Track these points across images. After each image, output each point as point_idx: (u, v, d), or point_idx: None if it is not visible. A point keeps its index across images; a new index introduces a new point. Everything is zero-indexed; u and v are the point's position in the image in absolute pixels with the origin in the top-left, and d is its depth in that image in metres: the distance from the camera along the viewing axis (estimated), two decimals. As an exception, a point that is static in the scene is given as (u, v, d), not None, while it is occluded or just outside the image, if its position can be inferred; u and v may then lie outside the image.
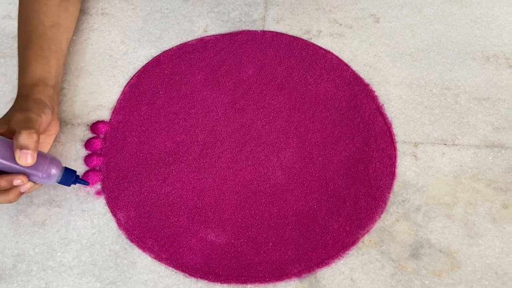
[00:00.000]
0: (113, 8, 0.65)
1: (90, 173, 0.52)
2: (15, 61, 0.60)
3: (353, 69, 0.59)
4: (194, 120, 0.56)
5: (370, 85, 0.58)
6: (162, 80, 0.59)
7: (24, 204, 0.51)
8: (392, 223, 0.49)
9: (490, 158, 0.52)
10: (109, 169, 0.53)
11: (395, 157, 0.53)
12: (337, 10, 0.65)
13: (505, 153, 0.52)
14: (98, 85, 0.59)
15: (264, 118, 0.56)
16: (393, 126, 0.55)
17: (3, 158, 0.43)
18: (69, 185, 0.48)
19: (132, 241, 0.49)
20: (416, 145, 0.53)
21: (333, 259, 0.47)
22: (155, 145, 0.54)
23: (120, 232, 0.49)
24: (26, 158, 0.42)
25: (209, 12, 0.65)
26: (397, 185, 0.51)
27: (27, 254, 0.48)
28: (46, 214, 0.50)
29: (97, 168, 0.53)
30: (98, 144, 0.54)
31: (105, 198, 0.51)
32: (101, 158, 0.54)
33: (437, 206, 0.49)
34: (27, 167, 0.44)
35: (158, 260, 0.48)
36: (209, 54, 0.61)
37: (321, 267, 0.47)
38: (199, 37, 0.63)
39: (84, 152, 0.54)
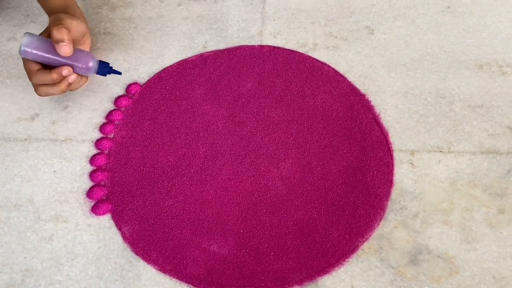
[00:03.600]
0: (115, 28, 0.67)
1: (95, 189, 0.54)
2: (21, 81, 0.62)
3: (349, 80, 0.61)
4: (195, 134, 0.58)
5: (366, 96, 0.59)
6: (164, 96, 0.61)
7: (32, 220, 0.52)
8: (391, 230, 0.50)
9: (486, 164, 0.53)
10: (114, 184, 0.54)
11: (392, 165, 0.54)
12: (332, 23, 0.67)
13: (500, 159, 0.53)
14: (101, 103, 0.61)
15: (263, 130, 0.58)
16: (390, 135, 0.56)
17: (51, 54, 0.52)
18: (105, 75, 0.57)
19: (137, 253, 0.50)
20: (412, 153, 0.55)
21: (334, 267, 0.48)
22: (157, 159, 0.56)
23: (125, 245, 0.50)
24: (64, 49, 0.51)
25: (208, 28, 0.67)
26: (394, 193, 0.52)
27: (35, 269, 0.49)
28: (53, 230, 0.52)
29: (102, 183, 0.55)
30: (102, 160, 0.56)
31: (109, 212, 0.53)
32: (106, 173, 0.55)
33: (435, 212, 0.50)
34: (69, 59, 0.53)
35: (163, 272, 0.49)
36: (209, 69, 0.63)
37: (322, 275, 0.48)
38: (199, 53, 0.65)
39: (89, 168, 0.56)
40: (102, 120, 0.59)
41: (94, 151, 0.57)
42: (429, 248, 0.48)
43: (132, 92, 0.61)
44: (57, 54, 0.52)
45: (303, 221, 0.51)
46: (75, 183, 0.54)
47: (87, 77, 0.57)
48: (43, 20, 0.69)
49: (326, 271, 0.48)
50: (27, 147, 0.57)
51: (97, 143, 0.57)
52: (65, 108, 0.60)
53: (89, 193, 0.53)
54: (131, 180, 0.55)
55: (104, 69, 0.57)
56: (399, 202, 0.51)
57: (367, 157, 0.55)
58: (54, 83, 0.53)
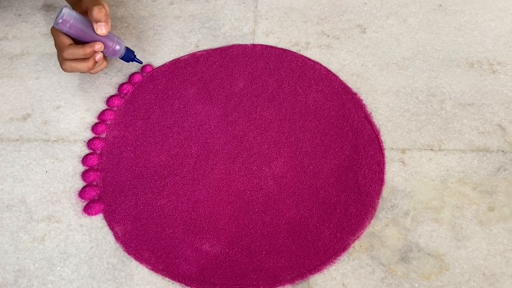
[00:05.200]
0: (107, 27, 0.67)
1: (87, 189, 0.54)
2: (12, 81, 0.62)
3: (341, 79, 0.61)
4: (188, 133, 0.58)
5: (358, 94, 0.60)
6: (156, 95, 0.61)
7: (24, 221, 0.52)
8: (382, 228, 0.50)
9: (476, 162, 0.53)
10: (106, 184, 0.54)
11: (384, 163, 0.54)
12: (325, 22, 0.67)
13: (490, 157, 0.54)
14: (93, 102, 0.61)
15: (255, 129, 0.58)
16: (381, 133, 0.56)
17: (87, 29, 0.54)
18: (128, 61, 0.60)
19: (129, 253, 0.50)
20: (403, 151, 0.55)
21: (325, 265, 0.48)
22: (150, 159, 0.56)
23: (118, 245, 0.51)
24: (102, 28, 0.54)
25: (201, 27, 0.67)
26: (385, 191, 0.52)
27: (28, 269, 0.50)
28: (45, 230, 0.52)
29: (94, 183, 0.55)
30: (94, 160, 0.56)
31: (102, 212, 0.53)
32: (98, 173, 0.55)
33: (425, 210, 0.51)
34: (103, 37, 0.55)
35: (155, 272, 0.49)
36: (201, 68, 0.63)
37: (314, 273, 0.48)
38: (191, 52, 0.65)
39: (81, 168, 0.56)
40: (94, 120, 0.59)
41: (86, 151, 0.57)
42: (419, 245, 0.49)
43: (124, 91, 0.61)
44: (92, 32, 0.54)
45: (294, 219, 0.51)
46: (67, 183, 0.54)
47: (107, 61, 0.59)
48: (35, 20, 0.68)
49: (318, 269, 0.48)
50: (19, 148, 0.57)
51: (89, 143, 0.57)
52: (57, 108, 0.60)
53: (81, 193, 0.54)
54: (123, 180, 0.55)
55: (129, 55, 0.59)
56: (390, 200, 0.51)
57: (358, 155, 0.55)
58: (83, 59, 0.55)
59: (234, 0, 0.70)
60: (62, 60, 0.55)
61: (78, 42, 0.55)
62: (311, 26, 0.66)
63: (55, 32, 0.55)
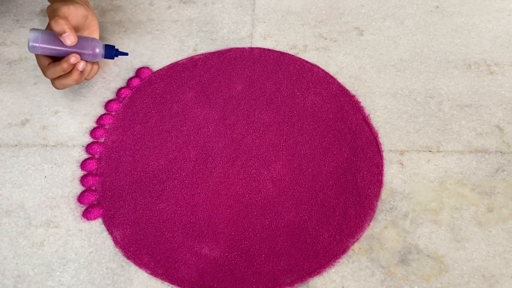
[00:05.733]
0: (105, 32, 0.67)
1: (86, 193, 0.54)
2: (10, 87, 0.62)
3: (339, 81, 0.61)
4: (186, 137, 0.58)
5: (356, 97, 0.60)
6: (154, 100, 0.61)
7: (23, 226, 0.52)
8: (381, 231, 0.50)
9: (474, 163, 0.53)
10: (105, 189, 0.54)
11: (382, 165, 0.54)
12: (322, 24, 0.67)
13: (489, 158, 0.54)
14: (92, 107, 0.61)
15: (254, 132, 0.58)
16: (379, 135, 0.56)
17: (58, 46, 0.53)
18: (112, 58, 0.58)
19: (128, 258, 0.50)
20: (402, 153, 0.55)
21: (325, 268, 0.48)
22: (148, 163, 0.56)
23: (117, 250, 0.50)
24: (68, 39, 0.52)
25: (198, 31, 0.67)
26: (384, 193, 0.52)
27: (27, 275, 0.49)
28: (44, 235, 0.52)
29: (93, 188, 0.55)
30: (93, 164, 0.56)
31: (101, 217, 0.53)
32: (97, 178, 0.55)
33: (424, 212, 0.51)
34: (76, 48, 0.54)
35: (154, 276, 0.49)
36: (199, 72, 0.63)
37: (313, 276, 0.48)
38: (189, 56, 0.65)
39: (80, 172, 0.56)
40: (92, 124, 0.59)
41: (85, 156, 0.57)
42: (418, 247, 0.49)
43: (123, 96, 0.61)
44: (64, 45, 0.53)
45: (294, 222, 0.51)
46: (66, 188, 0.54)
47: (98, 65, 0.58)
48: (33, 25, 0.68)
49: (317, 272, 0.48)
50: (18, 153, 0.57)
51: (88, 147, 0.57)
52: (56, 113, 0.60)
53: (80, 198, 0.54)
54: (122, 184, 0.55)
55: (111, 52, 0.58)
56: (389, 202, 0.52)
57: (357, 157, 0.55)
58: (67, 74, 0.54)
59: (231, 3, 0.70)
60: (51, 81, 0.55)
61: (59, 58, 0.55)
62: (308, 29, 0.66)
63: (35, 54, 0.55)
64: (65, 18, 0.53)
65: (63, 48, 0.54)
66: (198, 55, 0.65)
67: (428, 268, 0.47)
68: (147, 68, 0.64)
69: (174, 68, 0.64)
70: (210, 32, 0.67)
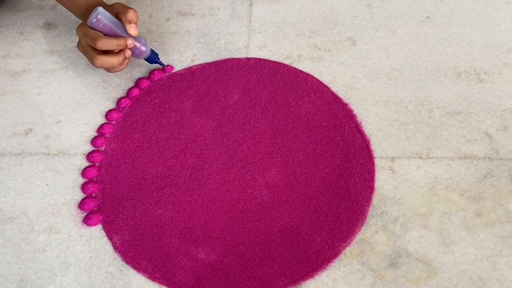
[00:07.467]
0: (106, 43, 0.69)
1: (86, 200, 0.56)
2: (15, 97, 0.65)
3: (333, 90, 0.63)
4: (184, 145, 0.60)
5: (349, 105, 0.61)
6: (153, 109, 0.63)
7: (26, 232, 0.54)
8: (372, 235, 0.51)
9: (463, 169, 0.55)
10: (105, 195, 0.56)
11: (374, 172, 0.56)
12: (316, 35, 0.69)
13: (477, 164, 0.55)
14: (93, 117, 0.63)
15: (249, 140, 0.60)
16: (371, 142, 0.58)
17: (118, 29, 0.58)
18: (152, 63, 0.64)
19: (127, 262, 0.52)
20: (393, 159, 0.56)
21: (317, 271, 0.50)
22: (147, 171, 0.58)
23: (116, 254, 0.52)
24: (135, 29, 0.59)
25: (196, 42, 0.69)
26: (375, 199, 0.54)
27: (29, 279, 0.51)
28: (46, 241, 0.53)
29: (94, 195, 0.56)
30: (94, 172, 0.58)
31: (101, 223, 0.54)
32: (97, 185, 0.57)
33: (414, 217, 0.52)
34: (133, 37, 0.59)
35: (152, 280, 0.51)
36: (197, 82, 0.65)
37: (306, 279, 0.49)
38: (187, 66, 0.67)
39: (81, 180, 0.58)
40: (93, 133, 0.61)
41: (86, 163, 0.59)
42: (408, 251, 0.50)
43: (123, 105, 0.63)
44: (122, 33, 0.59)
45: (287, 227, 0.53)
46: (67, 195, 0.56)
47: (127, 64, 0.63)
48: (37, 38, 0.71)
49: (310, 276, 0.50)
50: (21, 161, 0.59)
51: (89, 156, 0.59)
52: (58, 122, 0.62)
53: (81, 205, 0.55)
54: (122, 191, 0.56)
55: (154, 57, 0.64)
56: (380, 208, 0.53)
57: (349, 164, 0.56)
58: (114, 54, 0.59)
59: (228, 15, 0.72)
60: (93, 55, 0.58)
61: None
62: (303, 39, 0.68)
63: (86, 28, 0.58)
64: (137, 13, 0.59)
65: (121, 34, 0.59)
66: (196, 65, 0.67)
67: (418, 271, 0.49)
68: (147, 78, 0.66)
69: (172, 78, 0.66)
70: (207, 43, 0.69)
